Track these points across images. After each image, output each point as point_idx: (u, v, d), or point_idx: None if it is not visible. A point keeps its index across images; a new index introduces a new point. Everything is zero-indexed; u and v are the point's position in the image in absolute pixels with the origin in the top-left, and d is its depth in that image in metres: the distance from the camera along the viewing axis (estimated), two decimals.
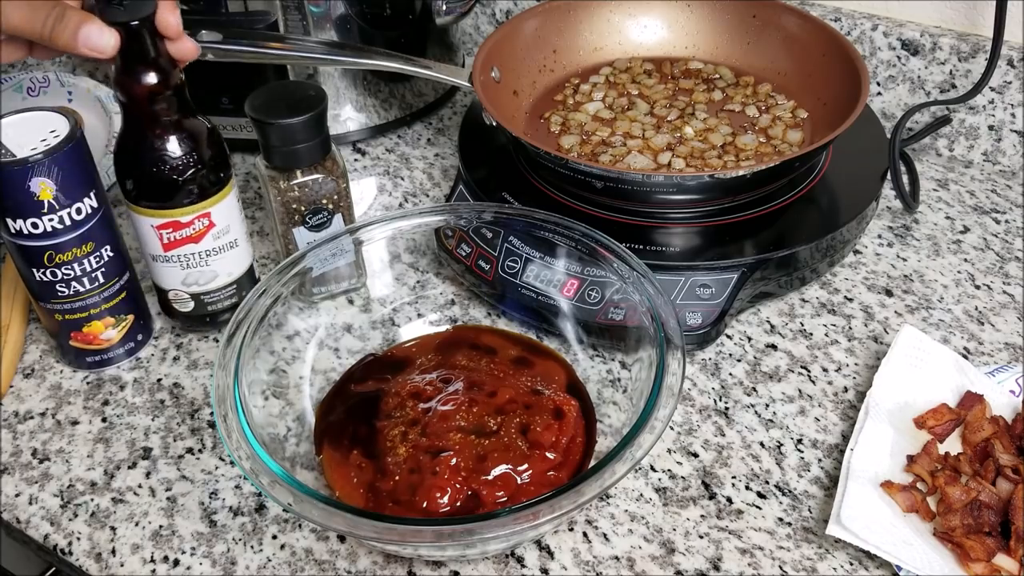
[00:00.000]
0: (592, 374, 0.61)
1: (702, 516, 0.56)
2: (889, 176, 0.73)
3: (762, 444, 0.60)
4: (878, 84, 0.84)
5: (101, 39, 0.53)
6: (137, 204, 0.62)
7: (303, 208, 0.65)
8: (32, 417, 0.64)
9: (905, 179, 0.75)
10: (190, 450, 0.61)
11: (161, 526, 0.56)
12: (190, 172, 0.61)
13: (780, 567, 0.53)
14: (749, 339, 0.67)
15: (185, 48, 0.58)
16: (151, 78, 0.57)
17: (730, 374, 0.65)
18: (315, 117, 0.62)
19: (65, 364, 0.68)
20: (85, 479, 0.60)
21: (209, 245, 0.64)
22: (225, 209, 0.64)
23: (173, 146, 0.60)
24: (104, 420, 0.63)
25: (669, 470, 0.59)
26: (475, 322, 0.68)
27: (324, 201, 0.65)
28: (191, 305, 0.67)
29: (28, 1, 0.52)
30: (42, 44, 0.54)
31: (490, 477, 0.52)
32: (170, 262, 0.64)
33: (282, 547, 0.55)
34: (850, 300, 0.70)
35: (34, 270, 0.61)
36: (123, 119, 0.60)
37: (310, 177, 0.64)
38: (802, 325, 0.68)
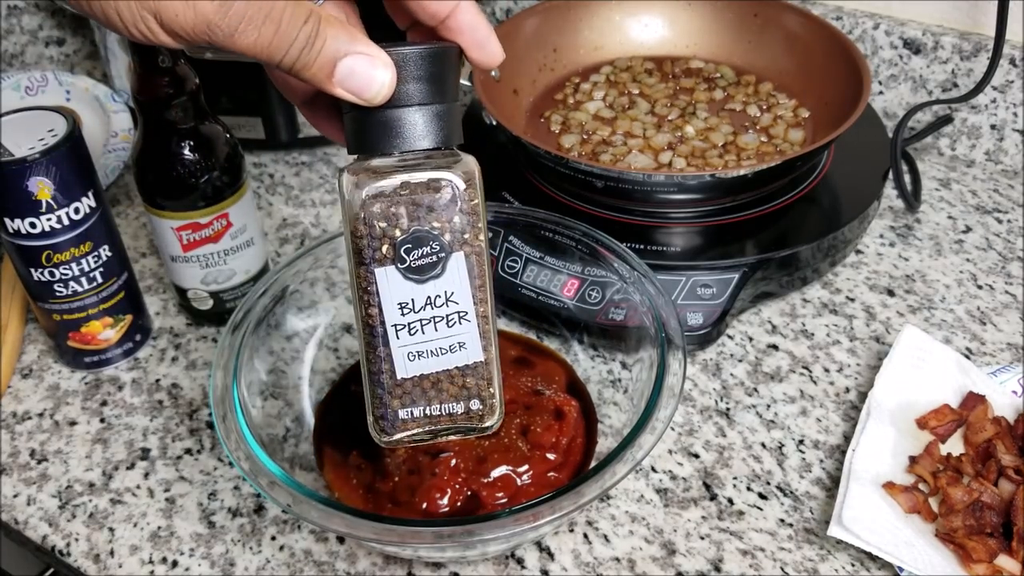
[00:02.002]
0: (592, 374, 0.61)
1: (703, 517, 0.56)
2: (891, 175, 0.72)
3: (763, 445, 0.60)
4: (880, 83, 0.84)
5: (372, 80, 0.35)
6: (156, 207, 0.63)
7: (397, 233, 0.38)
8: (30, 417, 0.64)
9: (907, 179, 0.75)
10: (188, 451, 0.61)
11: (159, 527, 0.56)
12: (208, 175, 0.62)
13: (782, 568, 0.53)
14: (750, 339, 0.67)
15: (492, 52, 0.40)
16: (169, 86, 0.58)
17: (731, 374, 0.64)
18: (438, 57, 0.37)
19: (63, 364, 0.67)
20: (83, 480, 0.59)
21: (227, 245, 0.65)
22: (241, 209, 0.65)
23: (191, 151, 0.61)
24: (102, 421, 0.63)
25: (670, 471, 0.58)
26: None
27: (436, 226, 0.38)
28: (210, 303, 0.68)
29: (267, 9, 0.33)
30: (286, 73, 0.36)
31: (490, 478, 0.52)
32: (189, 262, 0.65)
33: (281, 548, 0.55)
34: (852, 300, 0.70)
35: (32, 270, 0.60)
36: (141, 125, 0.61)
37: (418, 175, 0.38)
38: (803, 325, 0.68)
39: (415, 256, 0.38)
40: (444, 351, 0.39)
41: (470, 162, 0.39)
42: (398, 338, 0.39)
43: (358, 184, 0.37)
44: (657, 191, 0.64)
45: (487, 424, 0.41)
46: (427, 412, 0.40)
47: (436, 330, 0.39)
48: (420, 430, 0.41)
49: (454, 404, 0.40)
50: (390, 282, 0.38)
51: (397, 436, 0.41)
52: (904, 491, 0.53)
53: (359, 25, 0.41)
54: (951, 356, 0.60)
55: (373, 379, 0.40)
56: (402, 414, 0.40)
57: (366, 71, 0.35)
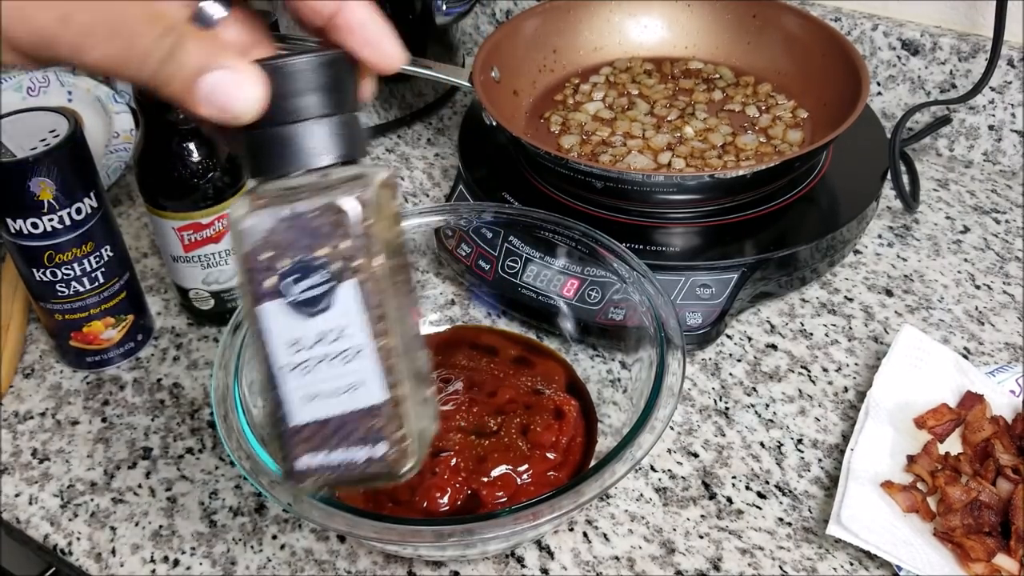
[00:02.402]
0: (592, 374, 0.61)
1: (702, 516, 0.56)
2: (889, 176, 0.73)
3: (762, 444, 0.60)
4: (878, 84, 0.84)
5: (237, 96, 0.32)
6: (158, 208, 0.63)
7: (282, 263, 0.34)
8: (32, 417, 0.64)
9: (905, 179, 0.75)
10: (190, 450, 0.61)
11: (161, 526, 0.56)
12: (209, 175, 0.62)
13: (780, 567, 0.53)
14: (749, 339, 0.67)
15: (387, 53, 0.36)
16: None
17: (730, 374, 0.65)
18: (323, 66, 0.34)
19: (65, 364, 0.68)
20: (85, 479, 0.60)
21: (228, 245, 0.65)
22: None
23: (192, 151, 0.61)
24: (104, 420, 0.63)
25: (669, 470, 0.59)
26: (475, 322, 0.68)
27: (322, 254, 0.34)
28: (211, 303, 0.68)
29: (115, 22, 0.31)
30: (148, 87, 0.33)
31: (490, 477, 0.52)
32: (191, 262, 0.65)
33: (282, 547, 0.55)
34: (850, 300, 0.70)
35: (34, 270, 0.61)
36: (143, 126, 0.61)
37: (304, 200, 0.34)
38: (802, 325, 0.68)
39: (301, 288, 0.34)
40: (341, 391, 0.35)
41: (372, 178, 0.34)
42: (290, 378, 0.35)
43: (244, 211, 0.34)
44: (656, 192, 0.65)
45: (401, 471, 0.36)
46: (331, 458, 0.36)
47: (331, 369, 0.35)
48: (330, 475, 0.36)
49: (359, 449, 0.36)
50: (278, 317, 0.34)
51: (306, 483, 0.36)
52: (902, 490, 0.53)
53: (267, 41, 0.38)
54: (949, 356, 0.61)
55: (274, 421, 0.36)
56: (306, 460, 0.36)
57: (231, 87, 0.32)
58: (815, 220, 0.68)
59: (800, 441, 0.60)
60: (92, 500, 0.58)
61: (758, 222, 0.67)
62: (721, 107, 0.77)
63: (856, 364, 0.65)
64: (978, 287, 0.70)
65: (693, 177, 0.65)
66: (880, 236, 0.75)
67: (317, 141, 0.34)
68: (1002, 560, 0.50)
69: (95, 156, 0.61)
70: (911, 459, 0.56)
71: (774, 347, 0.66)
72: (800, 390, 0.63)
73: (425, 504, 0.51)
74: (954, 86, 0.81)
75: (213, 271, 0.66)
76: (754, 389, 0.63)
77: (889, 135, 0.75)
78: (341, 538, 0.55)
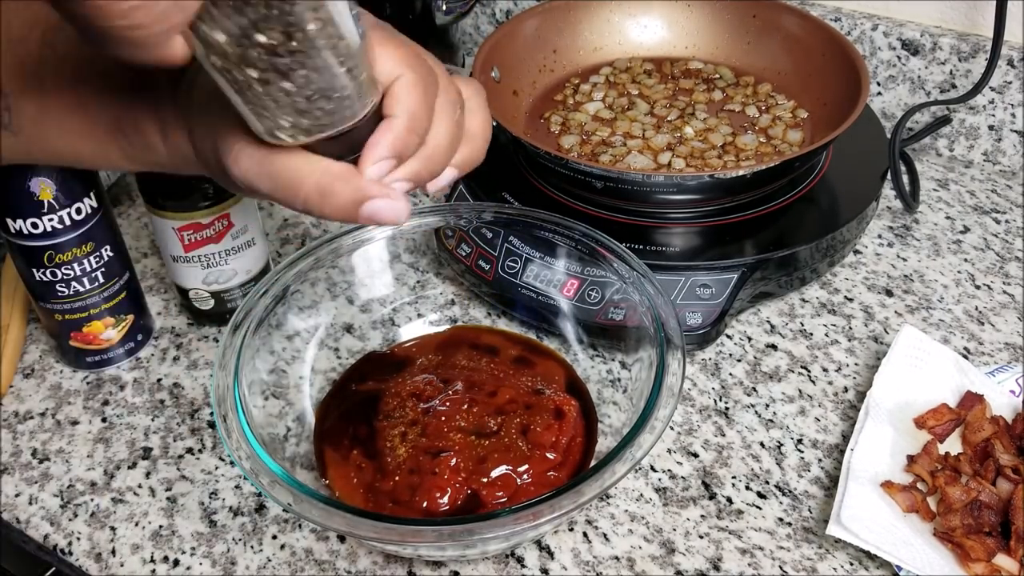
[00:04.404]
0: (592, 374, 0.61)
1: (702, 516, 0.56)
2: (889, 176, 0.73)
3: (762, 444, 0.60)
4: (878, 84, 0.84)
5: (393, 214, 0.39)
6: (158, 208, 0.63)
7: None
8: (32, 417, 0.64)
9: (905, 179, 0.75)
10: (190, 450, 0.61)
11: (161, 526, 0.56)
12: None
13: (780, 567, 0.53)
14: (749, 339, 0.67)
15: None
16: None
17: (730, 374, 0.65)
18: None
19: (65, 364, 0.68)
20: (85, 479, 0.60)
21: (228, 245, 0.65)
22: (242, 209, 0.65)
23: None
24: (104, 420, 0.63)
25: (669, 470, 0.59)
26: (475, 322, 0.68)
27: None
28: (211, 303, 0.68)
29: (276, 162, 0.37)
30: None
31: (490, 477, 0.52)
32: (191, 262, 0.65)
33: (282, 547, 0.55)
34: (850, 300, 0.70)
35: (34, 270, 0.61)
36: None
37: None
38: (802, 325, 0.68)
39: None
40: None
41: None
42: None
43: None
44: (656, 192, 0.65)
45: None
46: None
47: None
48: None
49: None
50: None
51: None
52: (902, 490, 0.54)
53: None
54: (949, 356, 0.61)
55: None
56: None
57: (390, 210, 0.39)
58: (815, 220, 0.68)
59: (800, 441, 0.60)
60: (92, 500, 0.58)
61: (758, 222, 0.67)
62: (721, 107, 0.77)
63: (856, 364, 0.65)
64: (978, 287, 0.70)
65: (693, 177, 0.65)
66: (880, 236, 0.75)
67: None
68: (1002, 560, 0.50)
69: None
70: (911, 459, 0.56)
71: (774, 347, 0.66)
72: (800, 390, 0.63)
73: (425, 504, 0.51)
74: (954, 86, 0.81)
75: (213, 271, 0.66)
76: (754, 389, 0.63)
77: (889, 135, 0.75)
78: (341, 538, 0.56)
